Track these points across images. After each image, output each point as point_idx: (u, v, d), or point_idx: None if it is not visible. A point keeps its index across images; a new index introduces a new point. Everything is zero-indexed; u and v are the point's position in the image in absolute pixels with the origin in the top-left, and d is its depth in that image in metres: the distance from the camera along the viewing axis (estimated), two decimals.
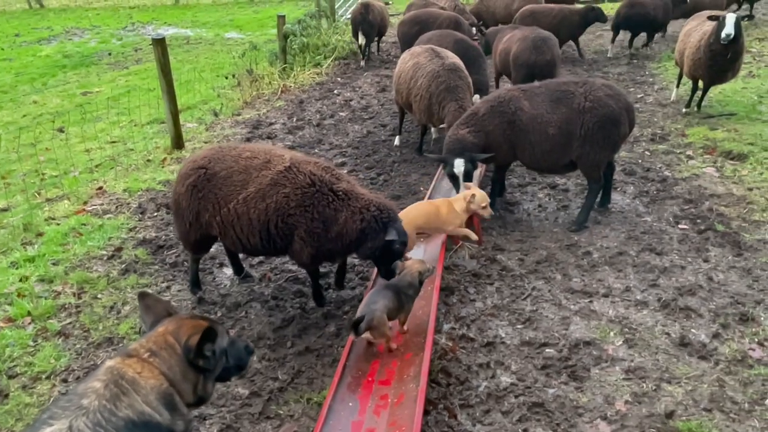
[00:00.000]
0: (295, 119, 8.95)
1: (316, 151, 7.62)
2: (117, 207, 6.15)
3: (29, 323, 4.30)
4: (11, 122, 10.04)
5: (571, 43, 11.60)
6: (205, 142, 7.97)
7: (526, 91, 5.26)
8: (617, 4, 12.94)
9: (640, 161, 6.65)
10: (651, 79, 9.90)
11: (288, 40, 11.69)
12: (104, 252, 5.25)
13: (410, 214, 4.52)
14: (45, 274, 4.86)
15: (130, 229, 5.68)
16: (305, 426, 3.29)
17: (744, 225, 5.14)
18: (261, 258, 5.05)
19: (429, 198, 5.70)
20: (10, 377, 3.77)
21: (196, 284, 4.62)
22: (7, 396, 3.61)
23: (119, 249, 5.29)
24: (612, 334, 3.90)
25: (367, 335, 3.51)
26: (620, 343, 3.81)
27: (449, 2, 12.51)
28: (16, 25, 21.91)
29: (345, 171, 6.88)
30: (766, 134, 6.94)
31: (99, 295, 4.63)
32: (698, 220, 5.25)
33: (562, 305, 4.24)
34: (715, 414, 3.23)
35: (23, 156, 7.67)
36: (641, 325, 3.96)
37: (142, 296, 2.41)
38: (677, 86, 8.69)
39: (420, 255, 4.82)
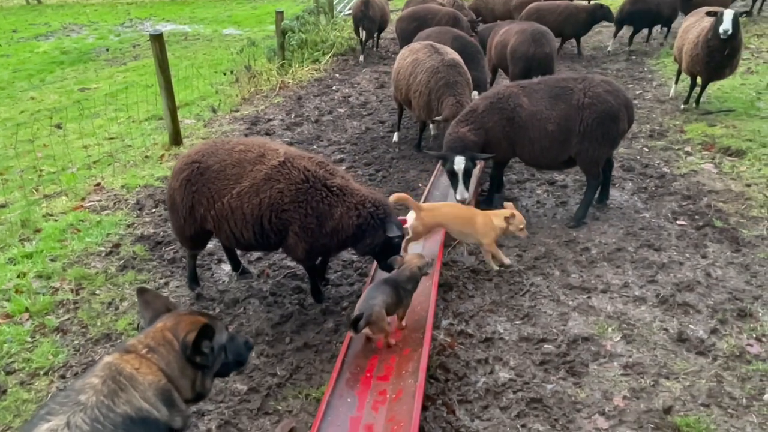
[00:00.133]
0: (293, 115, 8.94)
1: (314, 147, 7.61)
2: (115, 203, 6.14)
3: (27, 319, 4.29)
4: (8, 118, 10.02)
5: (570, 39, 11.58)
6: (203, 139, 7.95)
7: (525, 87, 5.26)
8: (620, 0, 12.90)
9: (638, 157, 6.65)
10: (650, 76, 9.89)
11: (286, 36, 11.66)
12: (102, 248, 5.24)
13: (443, 210, 4.48)
14: (43, 271, 4.86)
15: (128, 226, 5.67)
16: (304, 421, 3.29)
17: (742, 221, 5.14)
18: (259, 254, 5.05)
19: (428, 194, 5.71)
20: (8, 373, 3.77)
21: (194, 280, 4.61)
22: (5, 392, 3.61)
23: (117, 245, 5.28)
24: (610, 329, 3.90)
25: (366, 330, 3.52)
26: (618, 338, 3.82)
27: None
28: (13, 21, 21.84)
29: (343, 167, 6.88)
30: (765, 130, 6.94)
31: (97, 292, 4.62)
32: (696, 216, 5.26)
33: (561, 301, 4.24)
34: (713, 409, 3.23)
35: (21, 152, 7.65)
36: (639, 321, 3.97)
37: (141, 292, 2.41)
38: (676, 82, 8.68)
39: (419, 251, 4.81)
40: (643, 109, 8.17)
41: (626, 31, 11.94)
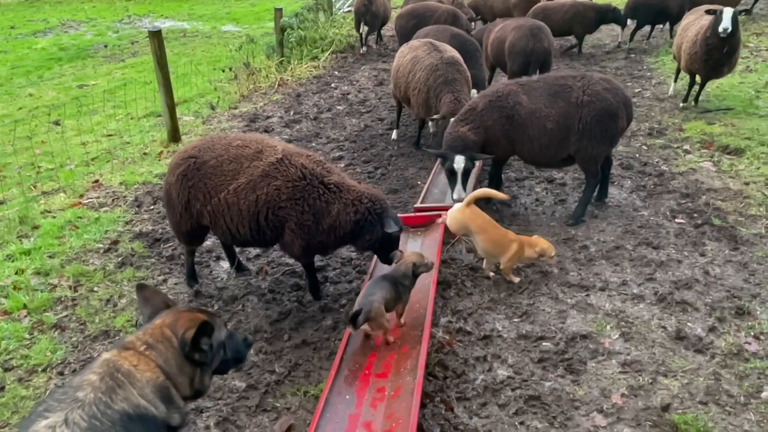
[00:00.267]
0: (292, 113, 8.92)
1: (313, 144, 7.60)
2: (113, 200, 6.13)
3: (25, 316, 4.28)
4: (7, 115, 10.00)
5: (569, 36, 11.54)
6: (202, 136, 7.93)
7: (524, 85, 5.25)
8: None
9: (637, 155, 6.65)
10: (649, 74, 9.89)
11: (285, 33, 11.64)
12: (100, 245, 5.23)
13: (478, 220, 4.37)
14: (41, 267, 4.85)
15: (127, 223, 5.66)
16: (302, 419, 3.29)
17: (740, 219, 5.15)
18: (258, 251, 5.04)
19: (426, 192, 5.71)
20: (6, 370, 3.76)
21: (192, 277, 4.60)
22: (3, 389, 3.60)
23: (115, 242, 5.27)
24: (608, 327, 3.91)
25: (365, 327, 3.51)
26: (617, 336, 3.82)
27: None
28: (11, 18, 21.78)
29: (342, 165, 6.88)
30: (763, 129, 6.94)
31: (95, 288, 4.61)
32: (695, 215, 5.26)
33: (559, 299, 4.24)
34: (711, 407, 3.24)
35: (19, 149, 7.63)
36: (638, 319, 3.97)
37: (141, 288, 2.40)
38: (675, 81, 8.68)
39: (417, 249, 4.81)
40: (642, 107, 8.17)
41: (627, 30, 11.94)
